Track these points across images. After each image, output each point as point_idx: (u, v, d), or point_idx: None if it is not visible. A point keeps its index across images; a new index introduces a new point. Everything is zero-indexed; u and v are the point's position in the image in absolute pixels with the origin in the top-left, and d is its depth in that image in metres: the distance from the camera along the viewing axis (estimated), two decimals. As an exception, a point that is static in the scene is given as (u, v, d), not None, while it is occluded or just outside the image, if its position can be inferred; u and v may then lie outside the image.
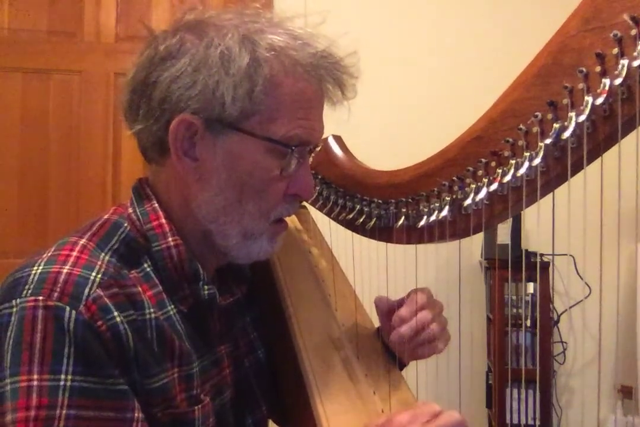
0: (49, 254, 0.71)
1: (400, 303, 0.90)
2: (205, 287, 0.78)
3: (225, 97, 0.71)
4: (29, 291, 0.66)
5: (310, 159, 0.83)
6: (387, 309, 0.92)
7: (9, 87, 2.49)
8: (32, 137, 2.50)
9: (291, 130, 0.74)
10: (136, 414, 0.67)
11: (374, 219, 0.89)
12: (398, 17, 2.61)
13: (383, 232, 0.89)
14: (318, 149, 0.85)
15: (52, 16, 2.54)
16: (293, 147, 0.75)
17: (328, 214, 0.96)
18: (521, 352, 2.27)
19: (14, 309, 0.65)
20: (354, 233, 0.93)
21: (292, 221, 1.10)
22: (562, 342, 2.48)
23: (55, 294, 0.65)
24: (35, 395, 0.62)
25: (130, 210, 0.79)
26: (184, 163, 0.75)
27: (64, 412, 0.63)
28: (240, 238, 0.78)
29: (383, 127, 2.48)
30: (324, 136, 0.96)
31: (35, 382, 0.63)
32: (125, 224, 0.77)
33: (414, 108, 2.54)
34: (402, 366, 0.96)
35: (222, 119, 0.73)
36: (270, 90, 0.73)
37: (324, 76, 0.77)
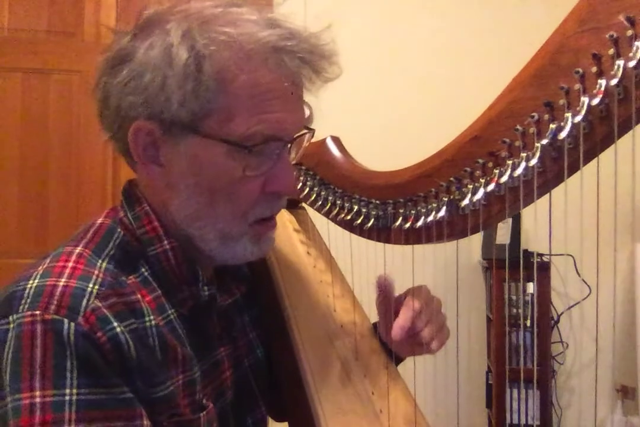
0: (44, 267, 0.69)
1: (397, 305, 0.90)
2: (205, 288, 0.76)
3: (172, 100, 0.67)
4: (26, 306, 0.63)
5: (294, 154, 0.79)
6: (385, 309, 0.92)
7: (9, 87, 2.50)
8: (32, 137, 2.50)
9: (252, 127, 0.69)
10: (145, 422, 0.66)
11: (372, 219, 0.89)
12: (396, 17, 2.61)
13: (381, 233, 0.88)
14: (305, 140, 0.80)
15: (52, 16, 2.54)
16: (252, 148, 0.69)
17: (326, 215, 0.96)
18: (521, 352, 2.26)
19: (11, 326, 0.63)
20: (352, 234, 0.93)
21: (290, 221, 1.10)
22: (562, 342, 2.48)
23: (52, 307, 0.63)
24: (39, 412, 0.60)
25: (121, 213, 0.77)
26: (150, 170, 0.73)
27: None
28: (218, 241, 0.75)
29: (381, 128, 2.47)
30: (323, 137, 0.96)
31: (38, 399, 0.61)
32: (119, 229, 0.76)
33: (412, 109, 2.54)
34: (399, 360, 0.97)
35: (175, 122, 0.68)
36: (221, 86, 0.67)
37: (285, 61, 0.69)
